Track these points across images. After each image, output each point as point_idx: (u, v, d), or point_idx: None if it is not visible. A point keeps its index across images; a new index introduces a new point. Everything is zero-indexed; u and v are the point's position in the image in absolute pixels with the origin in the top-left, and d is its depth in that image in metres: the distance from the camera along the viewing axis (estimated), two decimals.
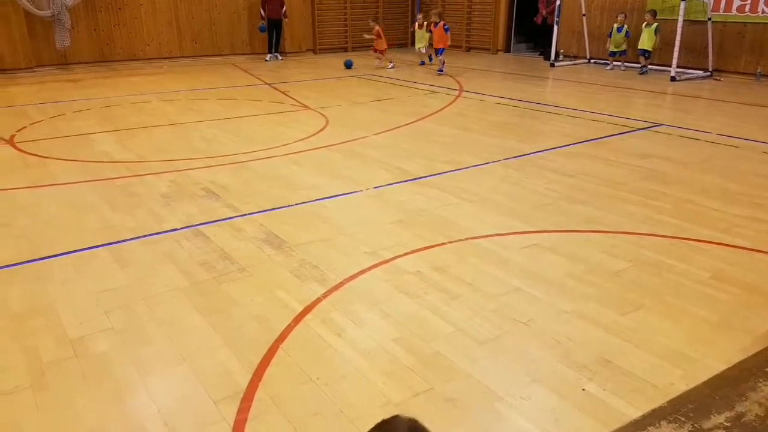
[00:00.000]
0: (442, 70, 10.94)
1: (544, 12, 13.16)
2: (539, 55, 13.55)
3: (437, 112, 8.04)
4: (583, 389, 2.44)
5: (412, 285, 3.28)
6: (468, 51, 14.87)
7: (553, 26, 12.12)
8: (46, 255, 3.66)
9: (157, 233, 3.99)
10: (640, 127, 6.98)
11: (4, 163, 5.59)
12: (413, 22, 15.83)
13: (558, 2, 11.91)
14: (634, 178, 5.12)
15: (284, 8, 12.82)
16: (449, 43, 11.05)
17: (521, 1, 13.89)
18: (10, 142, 6.32)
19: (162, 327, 2.89)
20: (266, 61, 12.88)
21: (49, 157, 5.75)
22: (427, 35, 11.71)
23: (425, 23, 11.69)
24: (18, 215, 4.31)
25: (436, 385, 2.46)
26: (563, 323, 2.92)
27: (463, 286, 3.27)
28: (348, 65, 11.78)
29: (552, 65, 12.05)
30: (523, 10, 13.95)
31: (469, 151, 6.07)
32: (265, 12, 12.66)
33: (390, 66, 11.89)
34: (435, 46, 11.12)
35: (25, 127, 6.96)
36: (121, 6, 11.85)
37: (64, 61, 11.47)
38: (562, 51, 12.47)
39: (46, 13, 10.85)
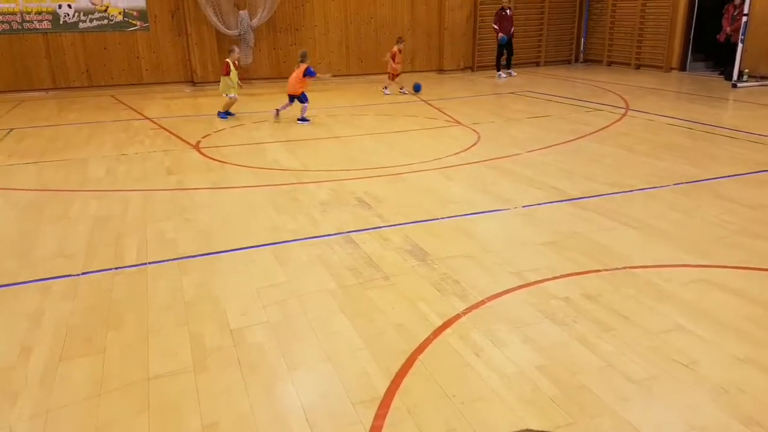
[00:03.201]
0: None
1: (728, 29, 11.84)
2: (719, 74, 12.25)
3: (599, 130, 7.61)
4: None
5: (560, 311, 3.12)
6: (637, 68, 13.92)
7: (737, 44, 10.90)
8: (220, 249, 4.07)
9: (313, 237, 4.25)
10: None
11: (191, 165, 6.34)
12: (583, 35, 15.27)
13: (744, 19, 10.67)
14: None
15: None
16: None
17: (702, 16, 12.70)
18: (196, 147, 7.15)
19: (311, 324, 3.06)
20: (500, 78, 13.02)
21: (228, 163, 6.41)
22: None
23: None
24: (200, 212, 4.85)
25: (579, 420, 2.31)
26: (734, 370, 2.58)
27: (617, 318, 3.04)
28: (417, 89, 11.21)
29: (734, 86, 10.83)
30: (704, 25, 12.72)
31: (634, 173, 5.66)
32: (498, 27, 12.92)
33: (386, 92, 11.09)
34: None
35: (209, 135, 7.85)
36: (298, 27, 12.91)
37: (246, 77, 12.71)
38: (746, 71, 11.14)
39: (234, 32, 12.18)
